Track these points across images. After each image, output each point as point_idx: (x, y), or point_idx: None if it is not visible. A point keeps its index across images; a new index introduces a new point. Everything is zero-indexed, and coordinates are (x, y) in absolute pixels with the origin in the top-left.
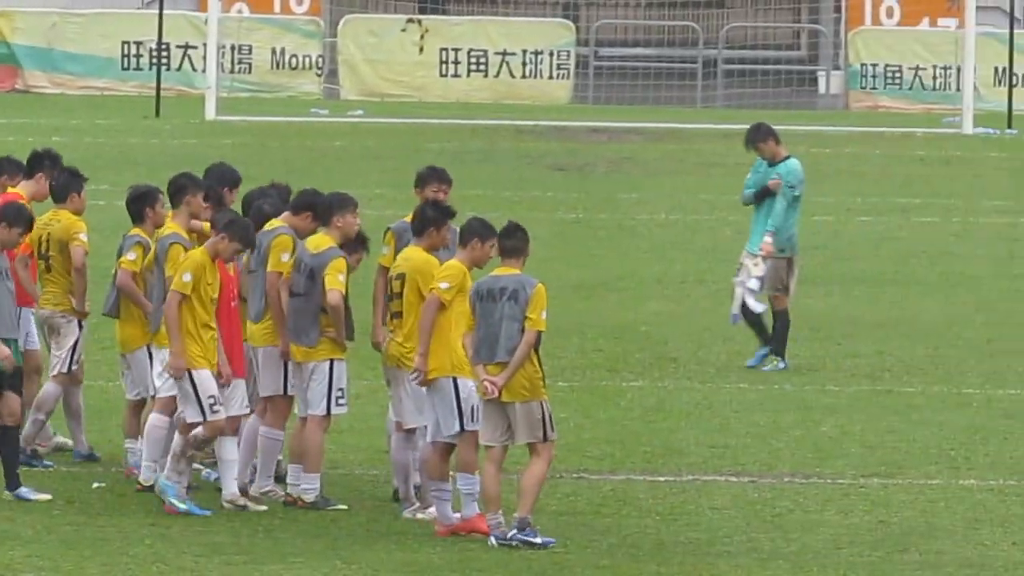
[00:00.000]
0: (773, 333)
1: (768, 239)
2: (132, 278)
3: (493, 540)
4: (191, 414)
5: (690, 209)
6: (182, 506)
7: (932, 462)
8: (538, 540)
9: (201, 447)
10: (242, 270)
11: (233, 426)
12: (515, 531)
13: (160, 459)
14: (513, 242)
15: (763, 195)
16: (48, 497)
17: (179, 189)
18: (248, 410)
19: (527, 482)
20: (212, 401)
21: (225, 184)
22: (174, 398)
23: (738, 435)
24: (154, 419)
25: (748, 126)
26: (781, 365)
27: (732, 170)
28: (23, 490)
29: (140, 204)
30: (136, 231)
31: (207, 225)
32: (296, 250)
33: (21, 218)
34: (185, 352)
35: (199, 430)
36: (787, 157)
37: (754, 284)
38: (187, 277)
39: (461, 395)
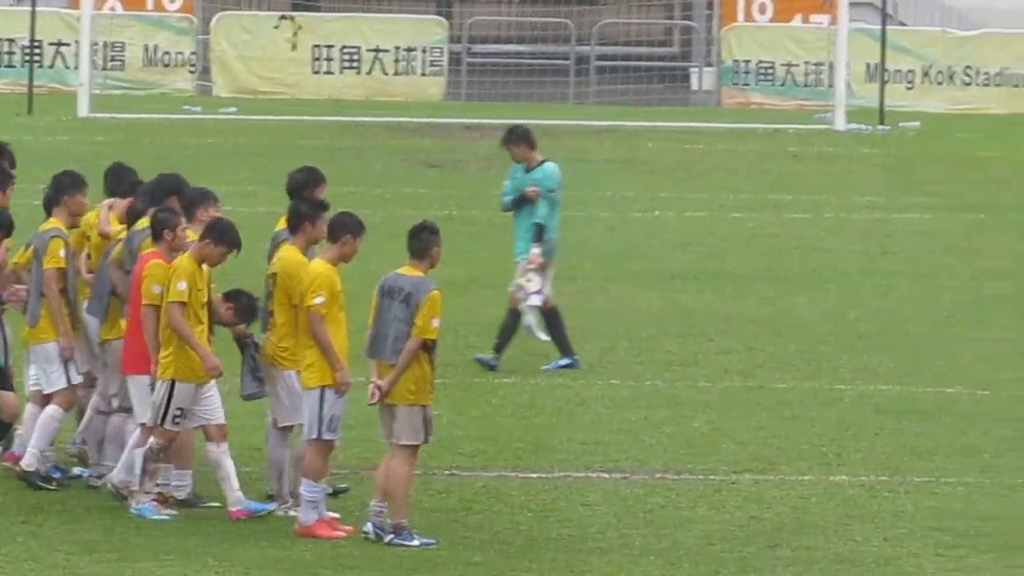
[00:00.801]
0: (552, 335)
1: (536, 250)
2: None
3: (370, 527)
4: (149, 417)
5: (565, 204)
6: (164, 515)
7: (803, 458)
8: (416, 543)
9: (159, 458)
10: (106, 265)
11: (222, 433)
12: (392, 536)
13: (47, 449)
14: (416, 242)
15: (521, 201)
16: None
17: (59, 187)
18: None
19: (394, 487)
20: (179, 414)
21: (170, 192)
22: (70, 389)
23: (610, 431)
24: (52, 411)
25: (622, 123)
26: (564, 362)
27: (602, 167)
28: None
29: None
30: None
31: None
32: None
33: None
34: (211, 354)
35: (153, 441)
36: (543, 161)
37: (536, 300)
38: (182, 285)
39: (325, 405)
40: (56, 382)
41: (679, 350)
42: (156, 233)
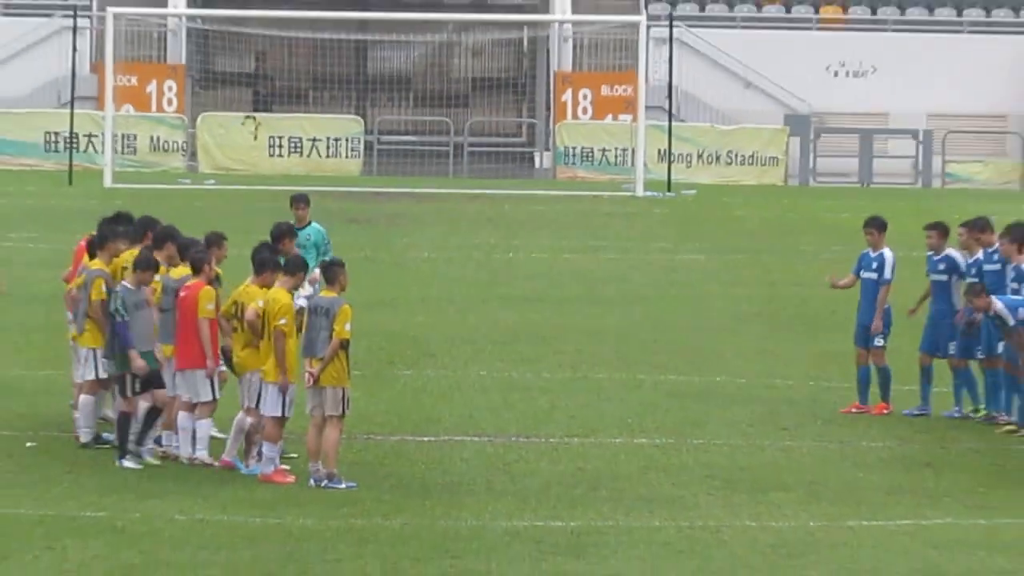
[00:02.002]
0: None
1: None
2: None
3: (312, 481)
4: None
5: (444, 249)
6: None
7: (615, 427)
8: (343, 486)
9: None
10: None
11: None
12: (326, 481)
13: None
14: (329, 273)
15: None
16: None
17: (102, 237)
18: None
19: (327, 446)
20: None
21: (167, 237)
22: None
23: (479, 408)
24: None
25: (486, 191)
26: None
27: (473, 222)
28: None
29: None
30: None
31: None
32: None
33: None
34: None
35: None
36: (310, 222)
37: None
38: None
39: (287, 396)
40: (87, 374)
41: (527, 351)
42: (197, 267)
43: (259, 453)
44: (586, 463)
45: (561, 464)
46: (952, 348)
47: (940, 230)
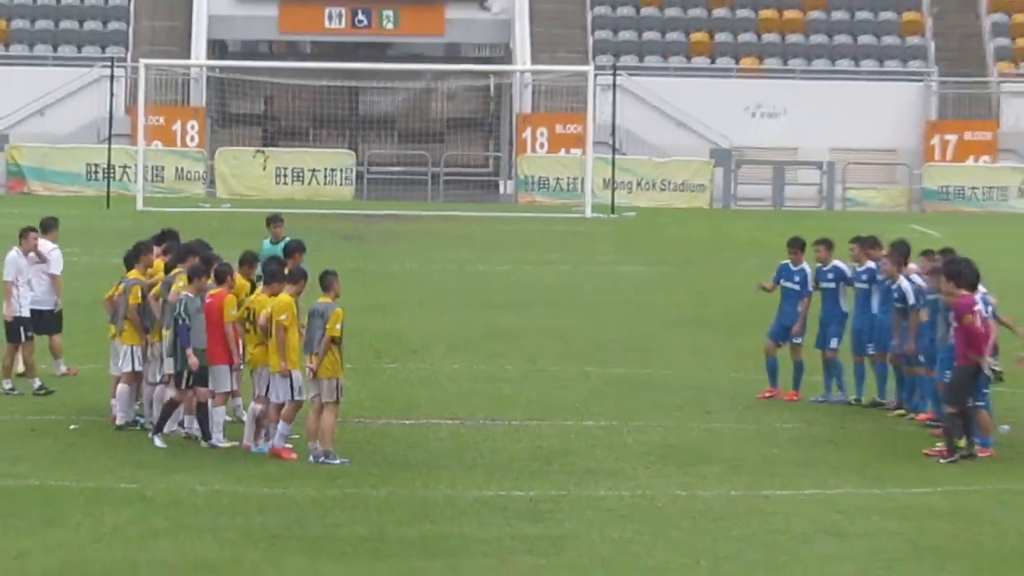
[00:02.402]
0: None
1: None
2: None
3: (311, 457)
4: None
5: (424, 262)
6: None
7: (568, 411)
8: (337, 461)
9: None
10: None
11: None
12: (323, 457)
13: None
14: (325, 281)
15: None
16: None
17: (136, 251)
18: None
19: (324, 428)
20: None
21: (192, 252)
22: (133, 373)
23: (452, 394)
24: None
25: (460, 213)
26: None
27: (448, 240)
28: (213, 440)
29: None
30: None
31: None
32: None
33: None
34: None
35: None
36: (285, 237)
37: None
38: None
39: (295, 381)
40: (124, 367)
41: (494, 346)
42: (220, 278)
43: (267, 433)
44: (542, 442)
45: (521, 443)
46: (834, 343)
47: (826, 244)
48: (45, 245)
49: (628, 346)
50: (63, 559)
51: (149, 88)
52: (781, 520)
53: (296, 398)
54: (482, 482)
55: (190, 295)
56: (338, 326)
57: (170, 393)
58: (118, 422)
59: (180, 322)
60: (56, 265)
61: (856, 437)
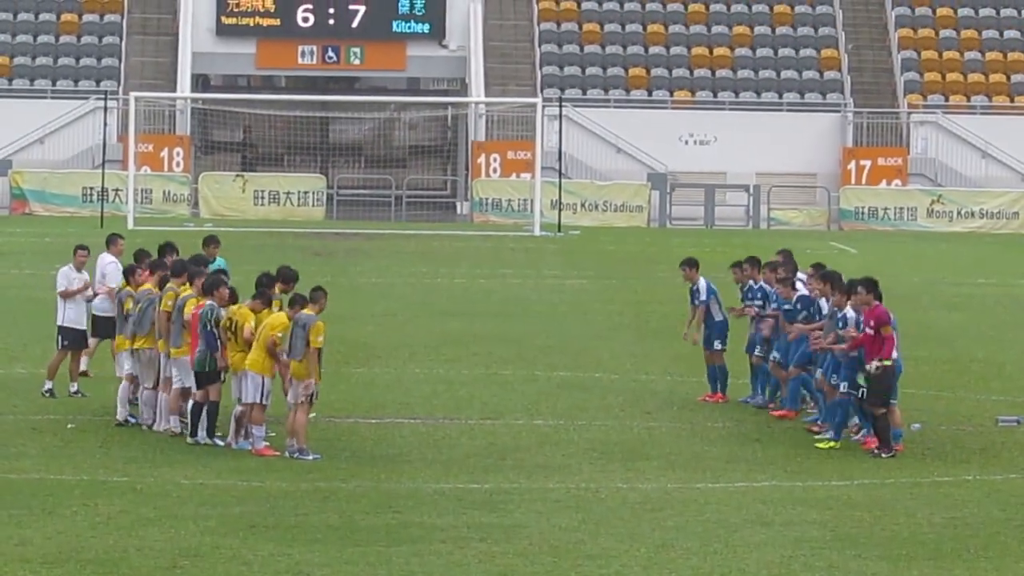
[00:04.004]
0: None
1: None
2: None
3: (287, 453)
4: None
5: (389, 275)
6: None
7: (518, 411)
8: (310, 457)
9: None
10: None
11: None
12: (297, 453)
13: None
14: (313, 296)
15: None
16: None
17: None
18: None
19: (297, 425)
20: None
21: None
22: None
23: (415, 396)
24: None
25: (420, 231)
26: None
27: (410, 256)
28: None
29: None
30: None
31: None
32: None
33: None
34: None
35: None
36: (216, 258)
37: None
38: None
39: (265, 386)
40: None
41: (451, 352)
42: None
43: (246, 433)
44: (496, 439)
45: (477, 440)
46: (759, 351)
47: (751, 262)
48: (104, 258)
49: (573, 351)
50: (61, 545)
51: (139, 118)
52: (713, 510)
53: (263, 402)
54: (441, 476)
55: (216, 305)
56: (320, 338)
57: (165, 396)
58: (118, 418)
59: (209, 329)
60: (113, 278)
61: (780, 435)
